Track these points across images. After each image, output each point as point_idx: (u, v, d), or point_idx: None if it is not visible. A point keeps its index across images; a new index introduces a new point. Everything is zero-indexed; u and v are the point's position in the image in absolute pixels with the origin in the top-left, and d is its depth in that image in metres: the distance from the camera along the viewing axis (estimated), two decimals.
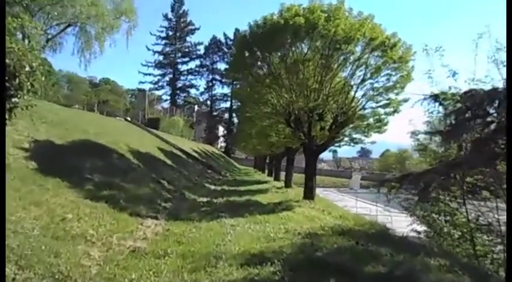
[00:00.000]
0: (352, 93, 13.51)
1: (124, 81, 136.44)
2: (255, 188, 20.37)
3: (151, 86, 76.29)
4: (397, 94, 13.47)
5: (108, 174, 10.54)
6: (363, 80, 13.18)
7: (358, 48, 12.70)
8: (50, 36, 22.19)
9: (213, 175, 26.81)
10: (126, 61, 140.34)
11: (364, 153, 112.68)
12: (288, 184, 21.07)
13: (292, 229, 8.52)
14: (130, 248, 6.28)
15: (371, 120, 14.06)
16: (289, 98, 13.42)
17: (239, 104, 25.61)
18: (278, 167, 28.88)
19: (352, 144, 14.56)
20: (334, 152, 68.65)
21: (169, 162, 19.55)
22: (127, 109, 50.07)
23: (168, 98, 77.25)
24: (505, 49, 5.74)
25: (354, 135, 14.33)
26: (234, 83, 35.48)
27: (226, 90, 77.23)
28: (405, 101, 13.40)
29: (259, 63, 14.63)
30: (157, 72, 77.19)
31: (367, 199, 24.69)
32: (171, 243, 6.77)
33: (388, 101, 13.25)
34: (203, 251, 6.40)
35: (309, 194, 14.07)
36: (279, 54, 13.81)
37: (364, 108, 13.53)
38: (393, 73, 13.08)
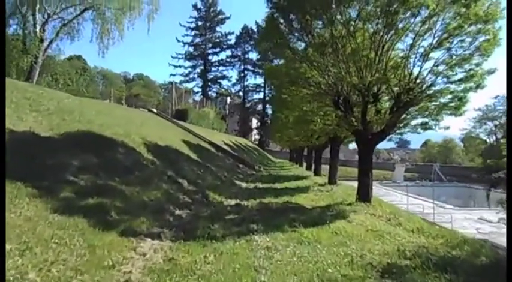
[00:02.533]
0: (419, 65, 10.31)
1: (158, 77, 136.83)
2: (294, 185, 17.51)
3: (182, 78, 75.03)
4: (477, 65, 10.18)
5: (104, 174, 8.05)
6: (436, 47, 9.95)
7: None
8: (65, 21, 20.17)
9: (245, 170, 24.20)
10: (159, 56, 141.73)
11: (403, 143, 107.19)
12: (332, 180, 17.97)
13: (358, 256, 5.69)
14: None
15: (441, 99, 10.77)
16: (338, 74, 10.46)
17: (272, 89, 22.52)
18: (319, 160, 25.75)
19: (420, 130, 11.27)
20: None
21: (194, 156, 17.06)
22: (158, 102, 48.71)
23: (200, 90, 75.50)
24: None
25: (423, 120, 11.02)
26: (266, 60, 31.97)
27: (259, 80, 74.81)
28: (491, 72, 10.13)
29: (296, 34, 11.73)
30: (188, 64, 75.81)
31: (413, 193, 21.53)
32: None
33: (470, 73, 9.97)
34: None
35: (364, 195, 11.06)
36: (321, 21, 10.92)
37: (434, 84, 10.29)
38: (476, 36, 9.80)
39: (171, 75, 74.45)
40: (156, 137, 15.39)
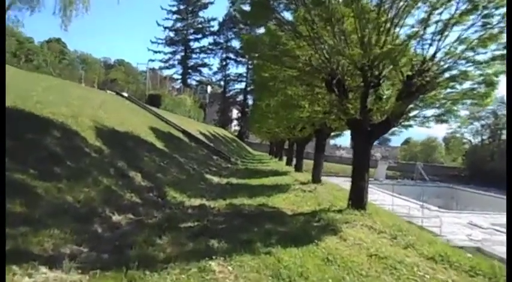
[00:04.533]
0: (438, 39, 8.13)
1: (140, 63, 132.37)
2: (272, 181, 15.38)
3: (162, 64, 71.44)
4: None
5: (12, 164, 5.69)
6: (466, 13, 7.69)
7: None
8: None
9: (220, 162, 21.97)
10: (141, 42, 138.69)
11: (383, 141, 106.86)
12: (316, 178, 15.87)
13: None
14: None
15: (463, 85, 8.55)
16: (335, 46, 8.30)
17: (252, 69, 19.99)
18: (301, 154, 23.59)
19: (433, 122, 9.10)
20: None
21: (160, 145, 14.72)
22: (136, 89, 46.04)
23: (180, 77, 72.30)
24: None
25: (439, 111, 8.84)
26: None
27: (241, 69, 71.98)
28: None
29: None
30: (167, 49, 71.99)
31: (395, 192, 20.15)
32: None
33: (502, 51, 7.86)
34: None
35: (358, 201, 8.91)
36: None
37: (454, 64, 8.10)
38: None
39: (150, 60, 70.64)
40: (116, 122, 13.05)
